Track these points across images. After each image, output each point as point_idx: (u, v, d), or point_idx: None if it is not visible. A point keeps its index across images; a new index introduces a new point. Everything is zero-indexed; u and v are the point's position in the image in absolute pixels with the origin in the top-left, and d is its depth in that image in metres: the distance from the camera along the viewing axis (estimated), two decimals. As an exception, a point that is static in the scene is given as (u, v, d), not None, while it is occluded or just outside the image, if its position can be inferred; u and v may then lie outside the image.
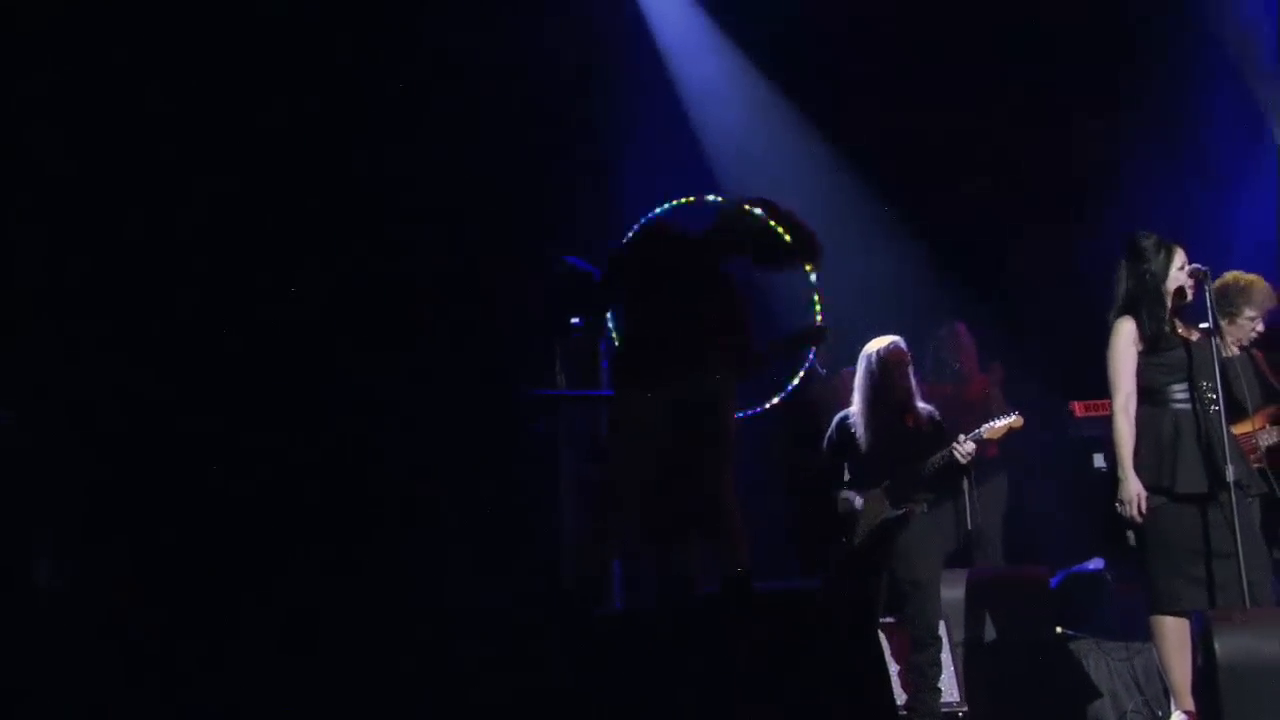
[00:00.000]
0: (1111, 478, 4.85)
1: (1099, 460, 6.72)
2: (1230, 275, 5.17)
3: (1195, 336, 4.86)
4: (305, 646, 4.64)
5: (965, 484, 6.97)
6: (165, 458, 5.98)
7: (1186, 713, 4.70)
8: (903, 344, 5.74)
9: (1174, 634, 4.70)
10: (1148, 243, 4.86)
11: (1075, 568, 6.71)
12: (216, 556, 5.78)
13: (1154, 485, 4.72)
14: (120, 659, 4.51)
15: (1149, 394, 4.83)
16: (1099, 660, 5.92)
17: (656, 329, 4.80)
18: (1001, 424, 5.76)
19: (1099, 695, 5.83)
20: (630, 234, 5.41)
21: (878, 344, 5.72)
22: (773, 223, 4.98)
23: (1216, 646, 4.44)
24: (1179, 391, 4.80)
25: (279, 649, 4.58)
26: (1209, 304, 4.77)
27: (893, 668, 5.58)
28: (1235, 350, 4.92)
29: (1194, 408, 4.77)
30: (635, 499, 4.86)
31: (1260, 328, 5.14)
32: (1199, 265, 4.84)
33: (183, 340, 6.27)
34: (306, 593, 6.07)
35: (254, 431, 6.19)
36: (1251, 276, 5.17)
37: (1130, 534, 4.82)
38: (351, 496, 6.40)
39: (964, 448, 5.56)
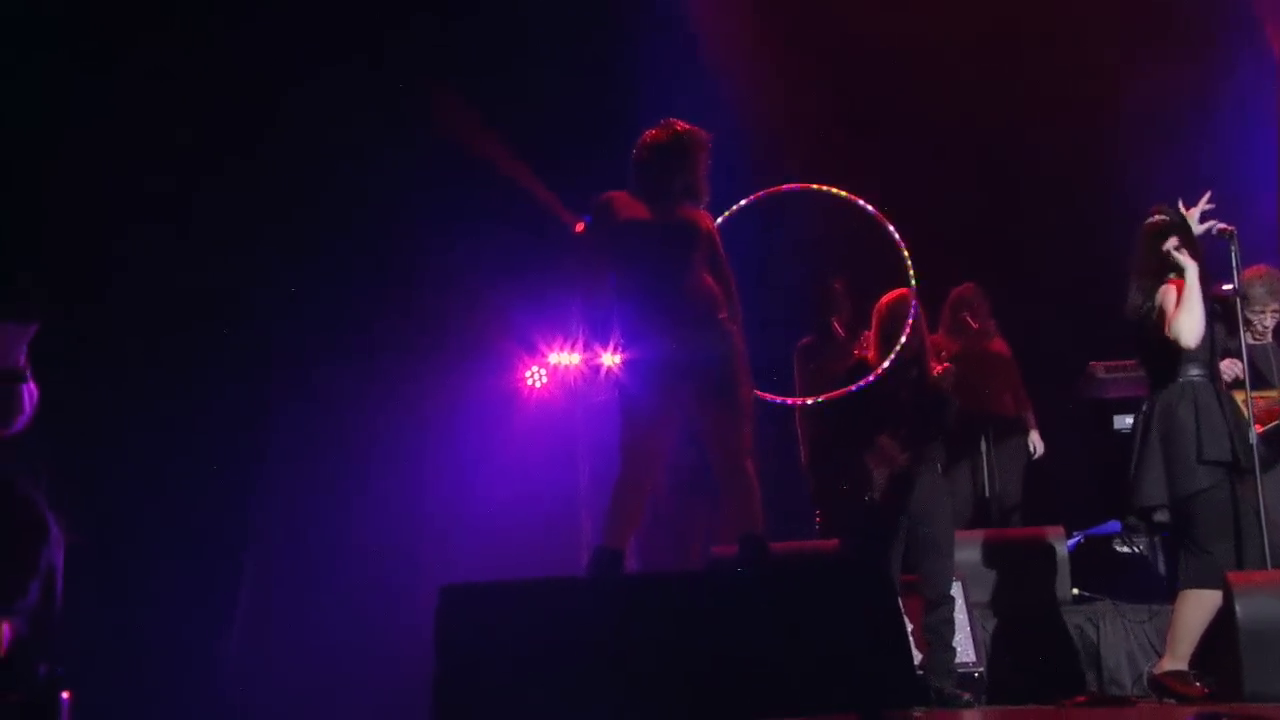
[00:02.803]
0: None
1: (1119, 421, 6.70)
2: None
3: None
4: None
5: (984, 445, 6.97)
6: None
7: (1173, 671, 4.72)
8: (912, 296, 5.73)
9: (1215, 607, 4.69)
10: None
11: (1093, 529, 6.70)
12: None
13: (1220, 458, 4.73)
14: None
15: (1170, 373, 4.84)
16: (1115, 622, 5.92)
17: (659, 285, 4.75)
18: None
19: (1115, 656, 5.83)
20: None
21: (889, 296, 5.73)
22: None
23: (1237, 608, 4.45)
24: (1195, 369, 4.81)
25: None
26: (1234, 263, 4.75)
27: (906, 626, 5.58)
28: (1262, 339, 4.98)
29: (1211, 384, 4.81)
30: (655, 464, 4.84)
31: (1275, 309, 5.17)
32: (1224, 225, 4.82)
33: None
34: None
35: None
36: (1254, 270, 5.16)
37: (1163, 512, 4.83)
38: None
39: (947, 375, 5.58)
